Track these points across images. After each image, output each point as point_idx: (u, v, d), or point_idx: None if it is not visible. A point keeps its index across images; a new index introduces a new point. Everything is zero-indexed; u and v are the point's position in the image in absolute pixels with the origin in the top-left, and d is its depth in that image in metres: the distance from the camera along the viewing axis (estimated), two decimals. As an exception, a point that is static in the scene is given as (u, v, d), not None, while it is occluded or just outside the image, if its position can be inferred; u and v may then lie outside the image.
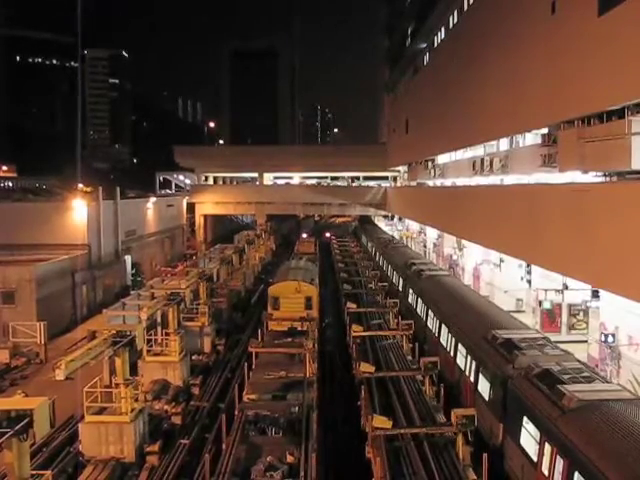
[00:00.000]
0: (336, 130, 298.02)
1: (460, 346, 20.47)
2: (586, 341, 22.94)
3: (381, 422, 14.19)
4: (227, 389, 22.70)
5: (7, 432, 10.47)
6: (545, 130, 22.15)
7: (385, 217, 75.53)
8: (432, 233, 51.17)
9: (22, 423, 10.66)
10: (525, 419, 13.95)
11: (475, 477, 12.80)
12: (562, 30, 18.81)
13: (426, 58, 46.03)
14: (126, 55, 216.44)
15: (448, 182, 40.69)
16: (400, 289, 35.34)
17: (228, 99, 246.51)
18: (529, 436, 13.67)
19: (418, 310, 28.85)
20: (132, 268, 44.82)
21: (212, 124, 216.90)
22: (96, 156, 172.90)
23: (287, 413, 16.15)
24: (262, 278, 47.08)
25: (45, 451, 17.26)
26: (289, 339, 23.20)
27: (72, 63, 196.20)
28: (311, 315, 25.96)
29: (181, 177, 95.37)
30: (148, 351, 22.66)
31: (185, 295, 25.04)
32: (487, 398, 16.85)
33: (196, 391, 22.87)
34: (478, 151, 32.39)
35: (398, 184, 67.76)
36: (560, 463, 11.91)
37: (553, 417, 12.63)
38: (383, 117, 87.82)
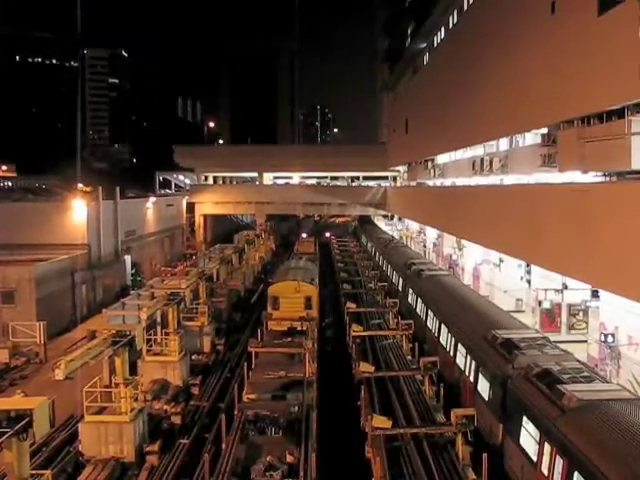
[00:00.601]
0: (336, 130, 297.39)
1: (460, 346, 20.46)
2: (586, 341, 22.93)
3: (381, 422, 14.17)
4: (227, 389, 22.69)
5: (7, 432, 10.47)
6: (545, 130, 22.15)
7: (385, 217, 75.46)
8: (432, 233, 51.13)
9: (22, 423, 10.66)
10: (525, 419, 13.94)
11: (475, 477, 12.79)
12: (562, 30, 18.81)
13: (426, 58, 46.04)
14: (126, 55, 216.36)
15: (448, 182, 40.69)
16: (400, 289, 35.33)
17: (228, 99, 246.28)
18: (529, 436, 13.67)
19: (418, 310, 28.85)
20: (132, 268, 44.80)
21: (212, 124, 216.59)
22: (96, 156, 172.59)
23: (287, 413, 16.13)
24: (262, 278, 47.08)
25: (45, 451, 17.26)
26: (289, 339, 23.18)
27: (72, 63, 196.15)
28: (311, 315, 25.94)
29: (181, 177, 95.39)
30: (148, 351, 22.66)
31: (185, 295, 25.05)
32: (487, 398, 16.85)
33: (196, 391, 22.86)
34: (478, 151, 32.38)
35: (398, 184, 67.74)
36: (560, 463, 11.91)
37: (553, 417, 12.62)
38: (383, 117, 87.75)
